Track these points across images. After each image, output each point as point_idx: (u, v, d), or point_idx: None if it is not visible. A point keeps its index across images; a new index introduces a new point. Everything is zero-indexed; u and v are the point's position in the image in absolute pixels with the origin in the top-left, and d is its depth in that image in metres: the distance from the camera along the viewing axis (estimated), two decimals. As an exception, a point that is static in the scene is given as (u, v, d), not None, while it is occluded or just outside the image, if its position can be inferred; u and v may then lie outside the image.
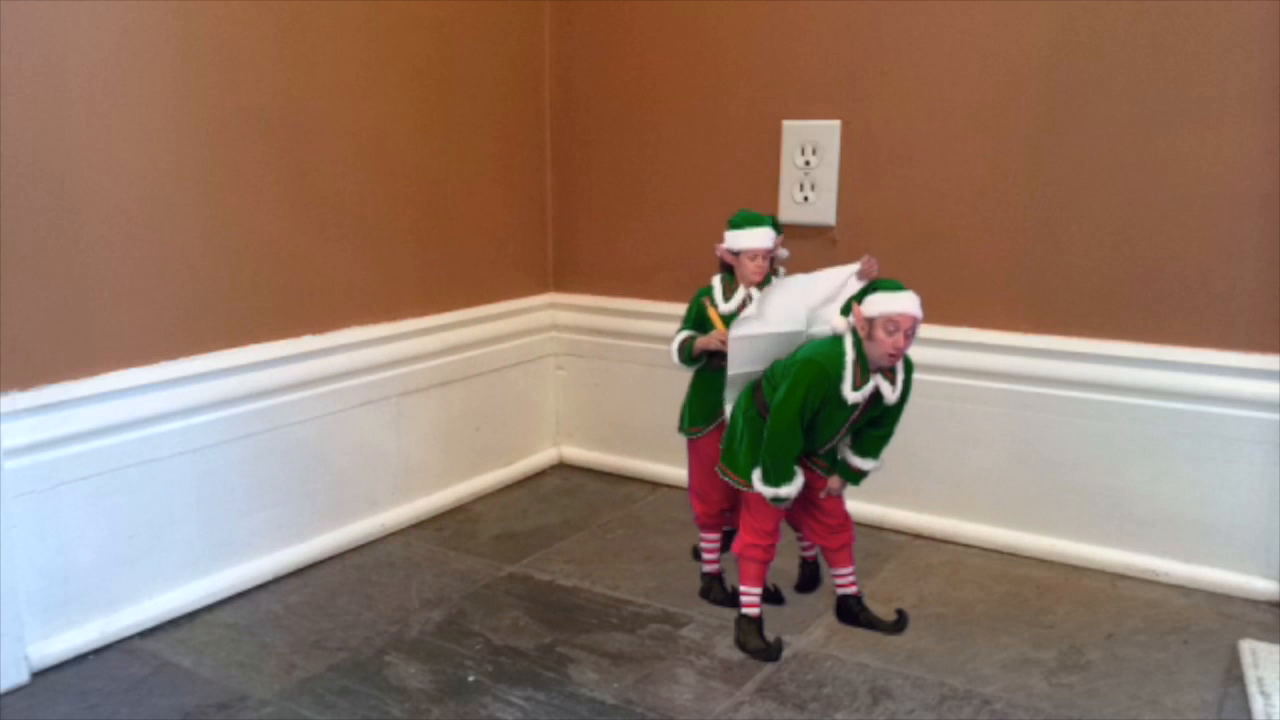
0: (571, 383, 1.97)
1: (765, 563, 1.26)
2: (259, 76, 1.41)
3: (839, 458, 1.24)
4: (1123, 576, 1.48)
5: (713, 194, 1.76)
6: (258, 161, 1.42)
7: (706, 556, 1.41)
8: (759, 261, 1.28)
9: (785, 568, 1.41)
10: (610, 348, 1.90)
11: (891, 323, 1.11)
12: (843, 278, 1.20)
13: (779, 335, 1.21)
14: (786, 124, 1.67)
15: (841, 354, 1.14)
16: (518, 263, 1.87)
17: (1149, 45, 1.39)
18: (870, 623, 1.32)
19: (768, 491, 1.19)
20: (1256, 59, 1.33)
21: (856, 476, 1.24)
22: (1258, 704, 1.14)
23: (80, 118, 1.22)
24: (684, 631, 1.32)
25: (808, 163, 1.65)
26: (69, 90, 1.20)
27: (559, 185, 1.94)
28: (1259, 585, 1.41)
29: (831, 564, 1.31)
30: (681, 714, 1.14)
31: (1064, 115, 1.46)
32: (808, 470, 1.23)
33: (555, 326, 1.96)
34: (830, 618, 1.34)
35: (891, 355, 1.13)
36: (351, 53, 1.52)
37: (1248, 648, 1.26)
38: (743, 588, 1.26)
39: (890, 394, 1.16)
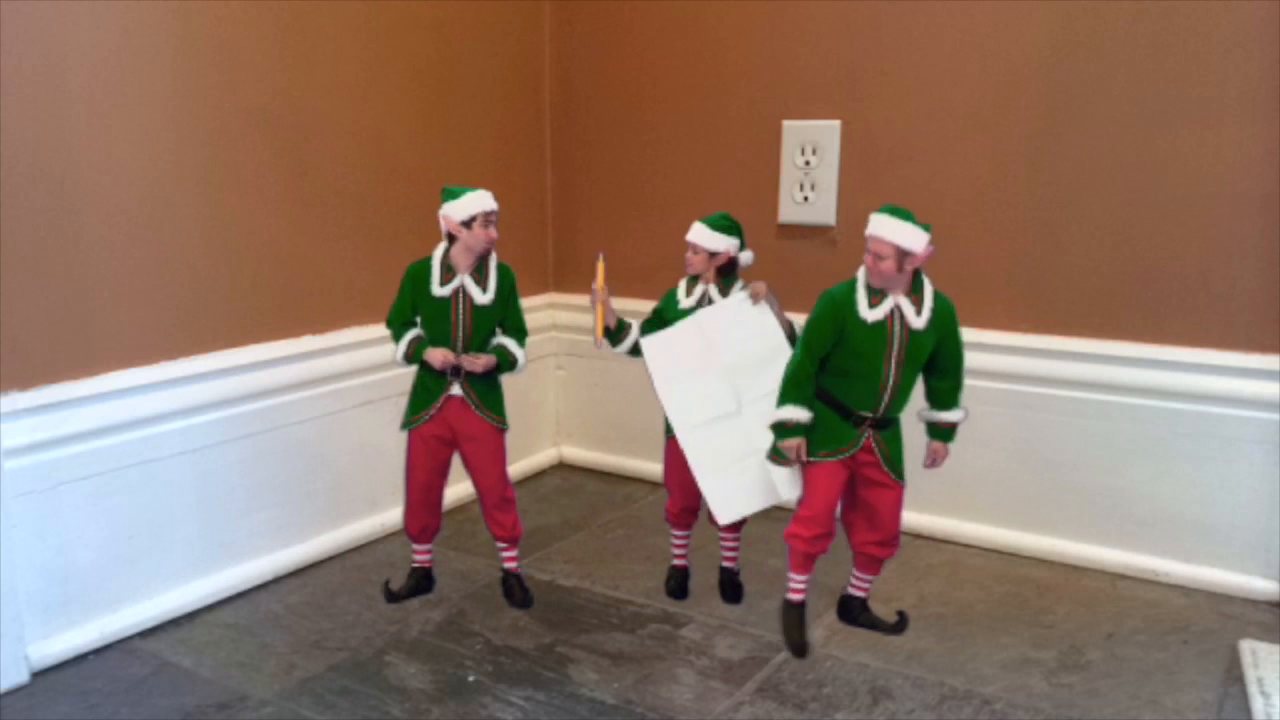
0: (571, 383, 1.97)
1: (805, 554, 1.25)
2: (259, 76, 1.41)
3: (924, 420, 1.25)
4: (1123, 576, 1.48)
5: (713, 194, 1.76)
6: (258, 161, 1.42)
7: (676, 552, 1.44)
8: (688, 254, 1.34)
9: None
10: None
11: (868, 241, 1.18)
12: (734, 306, 1.31)
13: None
14: (786, 124, 1.67)
15: (854, 283, 1.20)
16: (517, 262, 1.85)
17: (1149, 45, 1.39)
18: (871, 623, 1.32)
19: (775, 414, 1.22)
20: (1256, 59, 1.33)
21: (947, 431, 1.26)
22: (1258, 704, 1.14)
23: (80, 118, 1.22)
24: (684, 631, 1.32)
25: (808, 163, 1.65)
26: (69, 90, 1.20)
27: (559, 185, 1.93)
28: (1259, 585, 1.41)
29: (858, 566, 1.31)
30: (681, 714, 1.14)
31: (1064, 115, 1.46)
32: (873, 482, 1.23)
33: (555, 326, 1.96)
34: (830, 618, 1.34)
35: (871, 272, 1.18)
36: (351, 53, 1.52)
37: (1248, 648, 1.26)
38: (790, 574, 1.27)
39: (914, 317, 1.18)
